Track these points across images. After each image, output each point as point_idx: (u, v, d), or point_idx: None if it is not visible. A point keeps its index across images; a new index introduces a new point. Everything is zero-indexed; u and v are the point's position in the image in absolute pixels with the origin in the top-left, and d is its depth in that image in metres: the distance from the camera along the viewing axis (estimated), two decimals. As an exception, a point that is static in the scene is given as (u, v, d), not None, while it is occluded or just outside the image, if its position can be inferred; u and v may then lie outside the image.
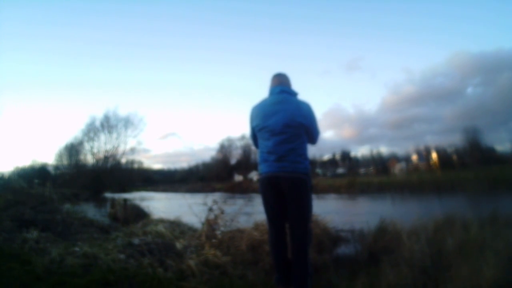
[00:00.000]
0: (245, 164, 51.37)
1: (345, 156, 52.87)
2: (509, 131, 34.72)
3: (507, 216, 2.71)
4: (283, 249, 1.90)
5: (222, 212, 3.09)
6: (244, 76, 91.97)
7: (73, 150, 29.75)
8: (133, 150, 28.53)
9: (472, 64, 55.85)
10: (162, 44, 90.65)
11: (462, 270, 1.66)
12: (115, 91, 73.18)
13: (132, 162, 32.19)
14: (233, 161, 55.99)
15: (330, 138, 61.68)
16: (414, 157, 40.99)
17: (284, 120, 1.84)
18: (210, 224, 2.96)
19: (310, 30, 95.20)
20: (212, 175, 50.76)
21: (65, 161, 31.64)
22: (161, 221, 4.35)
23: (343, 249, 3.02)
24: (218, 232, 2.93)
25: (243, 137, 53.53)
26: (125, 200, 8.84)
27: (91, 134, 27.21)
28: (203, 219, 3.08)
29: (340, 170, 46.94)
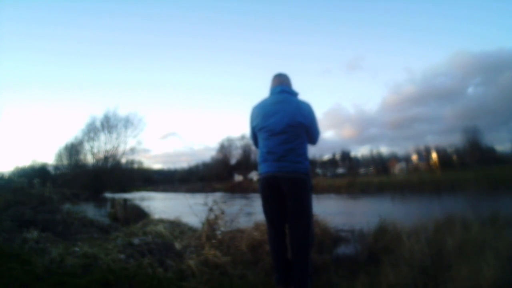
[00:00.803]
0: (245, 164, 51.34)
1: (345, 156, 52.85)
2: (509, 131, 34.71)
3: (507, 216, 2.71)
4: (283, 249, 1.90)
5: (222, 212, 3.09)
6: (244, 76, 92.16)
7: (73, 150, 29.73)
8: (133, 150, 28.48)
9: (473, 64, 55.88)
10: (162, 44, 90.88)
11: (462, 270, 1.66)
12: (115, 91, 73.35)
13: (132, 162, 32.08)
14: (233, 161, 56.00)
15: (330, 138, 61.77)
16: (414, 157, 40.95)
17: (285, 120, 1.84)
18: (210, 224, 2.96)
19: (310, 30, 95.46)
20: (212, 175, 50.74)
21: (65, 161, 31.64)
22: (161, 221, 4.35)
23: (343, 249, 3.02)
24: (218, 232, 2.93)
25: (243, 137, 53.56)
26: (125, 200, 8.85)
27: (91, 134, 27.19)
28: (203, 219, 3.07)
29: (340, 170, 46.91)
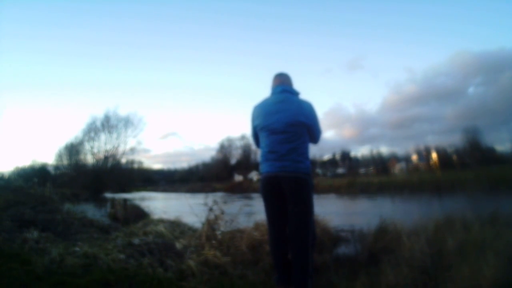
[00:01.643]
0: (245, 164, 51.36)
1: (345, 156, 52.83)
2: (510, 131, 34.69)
3: (507, 216, 2.71)
4: (283, 249, 1.90)
5: (222, 212, 3.09)
6: (244, 76, 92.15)
7: (73, 150, 29.72)
8: (133, 150, 28.55)
9: (474, 64, 55.78)
10: (162, 44, 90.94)
11: (462, 270, 1.66)
12: (115, 91, 73.35)
13: (132, 162, 32.16)
14: (233, 161, 56.03)
15: (330, 137, 61.70)
16: (414, 157, 40.93)
17: (286, 119, 1.84)
18: (210, 224, 2.95)
19: (311, 30, 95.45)
20: (212, 175, 50.76)
21: (65, 161, 31.62)
22: (161, 221, 4.35)
23: (343, 249, 3.02)
24: (218, 232, 2.93)
25: (243, 137, 53.64)
26: (125, 200, 8.85)
27: (92, 134, 27.24)
28: (203, 219, 3.07)
29: (340, 170, 46.87)
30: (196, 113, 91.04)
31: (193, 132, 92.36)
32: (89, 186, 23.45)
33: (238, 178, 47.40)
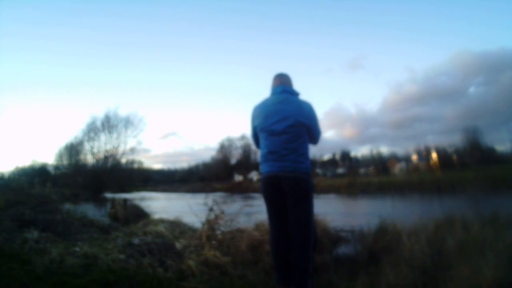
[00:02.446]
0: (245, 164, 51.38)
1: (345, 156, 52.86)
2: (510, 131, 34.68)
3: (507, 216, 2.71)
4: (284, 249, 1.90)
5: (222, 212, 3.09)
6: (245, 76, 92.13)
7: (73, 150, 29.68)
8: (133, 150, 28.48)
9: (474, 63, 55.81)
10: (162, 44, 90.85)
11: (462, 270, 1.66)
12: (115, 91, 73.34)
13: (132, 162, 32.03)
14: (233, 161, 56.03)
15: (331, 137, 61.73)
16: (414, 157, 40.94)
17: (286, 120, 1.84)
18: (211, 224, 2.96)
19: (312, 31, 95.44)
20: (212, 175, 50.77)
21: (65, 161, 31.59)
22: (161, 221, 4.35)
23: (343, 249, 3.02)
24: (218, 232, 2.93)
25: (243, 137, 53.64)
26: (125, 200, 8.85)
27: (92, 134, 27.17)
28: (203, 219, 3.07)
29: (340, 170, 46.89)
30: (196, 113, 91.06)
31: (193, 132, 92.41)
32: (89, 186, 23.43)
33: (238, 178, 47.40)
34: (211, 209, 3.05)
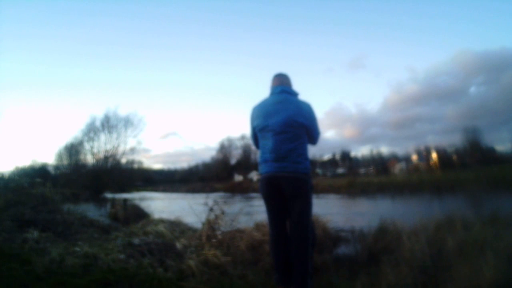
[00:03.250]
0: (245, 164, 51.37)
1: (345, 156, 52.83)
2: (510, 131, 34.67)
3: (508, 216, 2.71)
4: (283, 249, 1.90)
5: (223, 212, 3.09)
6: (245, 76, 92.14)
7: (73, 150, 29.63)
8: (133, 150, 28.45)
9: (475, 63, 55.84)
10: (162, 44, 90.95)
11: (462, 270, 1.66)
12: (115, 91, 73.43)
13: (132, 162, 31.95)
14: (233, 161, 56.04)
15: (331, 137, 61.81)
16: (414, 157, 40.95)
17: (285, 120, 1.84)
18: (211, 224, 2.96)
19: (313, 30, 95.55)
20: (212, 175, 50.77)
21: (65, 161, 31.51)
22: (161, 221, 4.35)
23: (343, 249, 3.02)
24: (218, 232, 2.93)
25: (243, 137, 53.63)
26: (125, 200, 8.85)
27: (91, 134, 27.15)
28: (203, 219, 3.08)
29: (340, 170, 46.88)
30: (196, 113, 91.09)
31: (193, 132, 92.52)
32: (89, 186, 23.41)
33: (238, 178, 47.40)
34: (211, 209, 3.05)
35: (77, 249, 2.59)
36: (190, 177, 57.28)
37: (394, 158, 44.95)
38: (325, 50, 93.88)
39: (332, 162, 53.35)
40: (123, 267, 2.20)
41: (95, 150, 26.99)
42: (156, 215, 6.38)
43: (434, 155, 37.87)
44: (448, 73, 61.38)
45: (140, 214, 7.06)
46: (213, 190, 30.31)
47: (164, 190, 39.34)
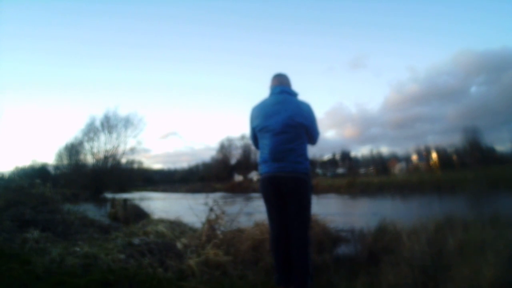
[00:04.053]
0: (245, 164, 51.36)
1: (345, 156, 52.85)
2: (510, 131, 34.67)
3: (508, 216, 2.70)
4: (283, 249, 1.90)
5: (223, 212, 3.09)
6: (245, 76, 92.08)
7: (73, 150, 29.62)
8: (133, 150, 28.43)
9: (476, 63, 55.83)
10: (162, 44, 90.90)
11: (462, 270, 1.66)
12: (115, 91, 73.37)
13: (132, 162, 31.92)
14: (233, 161, 56.02)
15: (331, 137, 61.84)
16: (414, 157, 40.97)
17: (285, 120, 1.84)
18: (211, 224, 2.96)
19: (313, 30, 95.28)
20: (212, 175, 50.75)
21: (65, 161, 31.51)
22: (161, 221, 4.35)
23: (343, 249, 3.02)
24: (218, 232, 2.93)
25: (243, 137, 53.60)
26: (125, 200, 8.84)
27: (91, 134, 27.15)
28: (203, 219, 3.07)
29: (340, 170, 46.92)
30: (196, 113, 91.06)
31: (193, 132, 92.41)
32: (89, 186, 23.41)
33: (238, 178, 47.39)
34: (211, 209, 3.05)
35: (77, 249, 2.60)
36: (190, 177, 57.27)
37: (394, 158, 44.98)
38: (326, 50, 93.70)
39: (332, 162, 53.39)
40: (123, 267, 2.20)
41: (95, 150, 26.99)
42: (156, 215, 6.38)
43: (434, 155, 37.88)
44: (448, 73, 61.30)
45: (140, 214, 7.05)
46: (213, 190, 30.29)
47: (164, 190, 39.32)
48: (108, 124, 27.31)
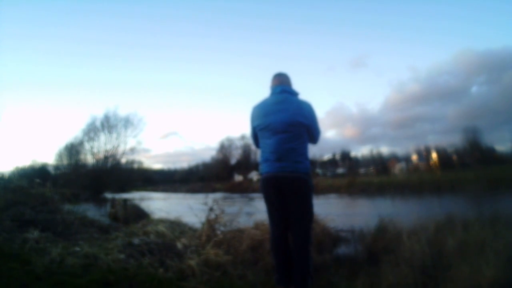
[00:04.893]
0: (245, 164, 51.36)
1: (345, 156, 52.88)
2: (511, 131, 34.67)
3: (507, 216, 2.71)
4: (284, 249, 1.90)
5: (223, 212, 3.09)
6: (244, 76, 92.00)
7: (73, 150, 29.63)
8: (133, 150, 28.42)
9: (477, 62, 55.72)
10: (162, 44, 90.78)
11: (462, 270, 1.66)
12: (115, 91, 73.31)
13: (132, 162, 31.89)
14: (233, 161, 56.03)
15: (332, 137, 61.78)
16: (414, 157, 40.98)
17: (286, 120, 1.85)
18: (211, 224, 2.96)
19: (314, 30, 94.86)
20: (212, 175, 50.76)
21: (65, 161, 31.51)
22: (161, 221, 4.34)
23: (343, 249, 3.02)
24: (218, 232, 2.93)
25: (243, 137, 53.59)
26: (125, 200, 8.84)
27: (91, 134, 27.15)
28: (203, 219, 3.07)
29: (340, 170, 46.90)
30: (196, 113, 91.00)
31: (193, 132, 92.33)
32: (89, 186, 23.41)
33: (238, 178, 47.39)
34: (211, 209, 3.05)
35: (77, 249, 2.60)
36: (190, 177, 57.27)
37: (394, 158, 44.98)
38: (326, 50, 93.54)
39: (332, 162, 53.40)
40: (123, 267, 2.20)
41: (95, 150, 26.99)
42: (156, 215, 6.37)
43: (434, 155, 37.89)
44: (449, 73, 61.21)
45: (140, 214, 7.04)
46: (213, 190, 30.28)
47: (164, 190, 39.30)
48: (108, 124, 27.32)
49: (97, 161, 27.09)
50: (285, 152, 1.82)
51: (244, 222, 3.37)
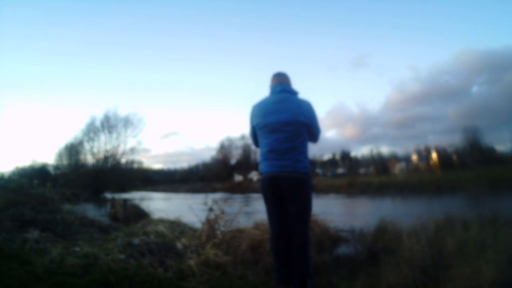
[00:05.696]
0: (245, 164, 51.38)
1: (345, 156, 52.89)
2: (511, 131, 34.65)
3: (507, 216, 2.70)
4: (283, 249, 1.90)
5: (222, 212, 3.09)
6: (244, 76, 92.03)
7: (73, 150, 29.65)
8: (133, 150, 28.41)
9: (478, 62, 55.69)
10: (162, 44, 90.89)
11: (462, 270, 1.66)
12: (115, 91, 73.40)
13: (132, 162, 31.85)
14: (233, 161, 56.08)
15: (332, 137, 61.85)
16: (414, 157, 40.99)
17: (285, 119, 1.84)
18: (211, 224, 2.95)
19: (314, 30, 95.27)
20: (212, 175, 50.77)
21: (65, 161, 31.53)
22: (161, 221, 4.34)
23: (343, 249, 3.02)
24: (218, 232, 2.93)
25: (243, 137, 53.65)
26: (125, 200, 8.84)
27: (91, 134, 27.13)
28: (203, 219, 3.07)
29: (340, 170, 46.91)
30: (196, 113, 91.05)
31: (193, 132, 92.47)
32: (89, 186, 23.37)
33: (238, 178, 47.38)
34: (211, 209, 3.05)
35: (77, 249, 2.60)
36: (190, 177, 57.27)
37: (394, 158, 44.99)
38: (327, 49, 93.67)
39: (332, 162, 53.40)
40: (123, 267, 2.20)
41: (95, 150, 26.97)
42: (156, 215, 6.37)
43: (434, 155, 37.89)
44: (450, 72, 61.25)
45: (140, 214, 7.05)
46: (213, 190, 30.23)
47: (164, 190, 39.26)
48: (108, 124, 27.31)
49: (97, 161, 27.08)
50: (285, 151, 1.82)
51: (244, 222, 3.37)
